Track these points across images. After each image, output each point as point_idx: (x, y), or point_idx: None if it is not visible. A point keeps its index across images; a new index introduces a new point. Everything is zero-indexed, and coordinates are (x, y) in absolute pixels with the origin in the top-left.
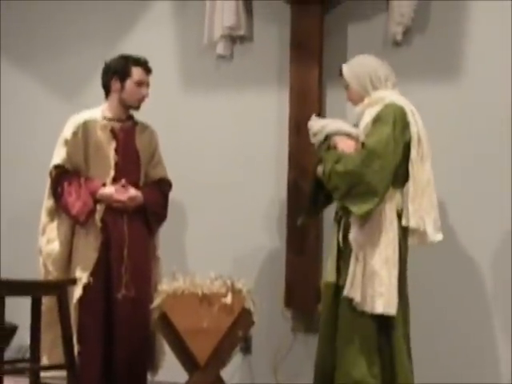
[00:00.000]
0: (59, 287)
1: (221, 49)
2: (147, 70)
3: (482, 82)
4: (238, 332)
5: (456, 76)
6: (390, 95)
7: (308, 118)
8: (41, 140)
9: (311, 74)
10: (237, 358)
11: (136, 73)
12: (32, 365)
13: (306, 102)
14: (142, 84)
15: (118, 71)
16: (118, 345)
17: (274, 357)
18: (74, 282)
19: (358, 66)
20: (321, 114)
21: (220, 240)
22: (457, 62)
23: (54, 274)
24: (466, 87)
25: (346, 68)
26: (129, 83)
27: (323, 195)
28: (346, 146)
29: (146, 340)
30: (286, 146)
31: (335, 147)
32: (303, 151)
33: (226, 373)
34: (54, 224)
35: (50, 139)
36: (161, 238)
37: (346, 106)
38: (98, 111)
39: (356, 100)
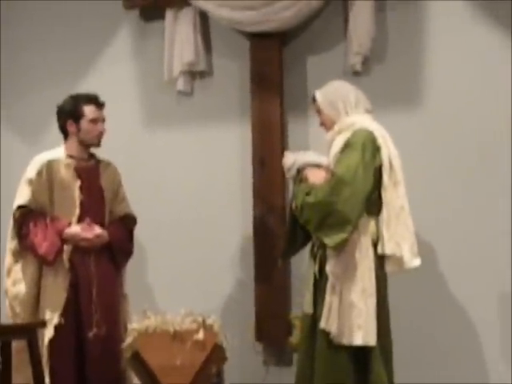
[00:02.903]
0: (30, 330)
1: (181, 85)
2: (99, 106)
3: (442, 109)
4: (211, 368)
5: (416, 104)
6: (360, 121)
7: (271, 152)
8: (2, 182)
9: (272, 107)
10: None
11: (89, 111)
12: None
13: (269, 134)
14: (96, 121)
15: (70, 114)
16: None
17: None
18: (43, 324)
19: (331, 92)
20: (284, 146)
21: (187, 276)
22: (416, 89)
23: (21, 316)
24: (427, 115)
25: (318, 93)
26: (84, 123)
27: (301, 232)
28: (316, 177)
29: (117, 378)
30: (251, 181)
31: (306, 180)
32: (268, 185)
33: None
34: (19, 265)
35: (11, 182)
36: (127, 275)
37: (309, 137)
38: (61, 151)
39: (328, 125)
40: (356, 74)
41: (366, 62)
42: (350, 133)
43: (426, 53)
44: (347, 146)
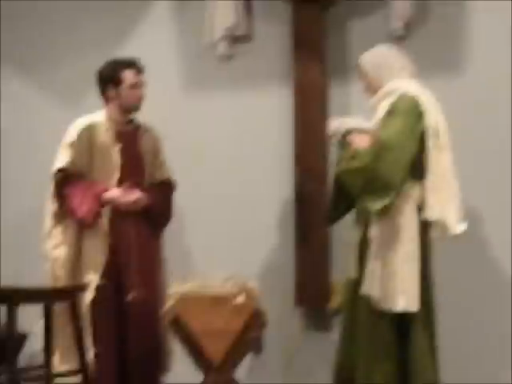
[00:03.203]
0: (72, 294)
1: (221, 49)
2: (139, 70)
3: (485, 74)
4: (251, 332)
5: (458, 69)
6: (405, 86)
7: (313, 117)
8: (43, 146)
9: (314, 71)
10: (248, 358)
11: (128, 76)
12: (46, 371)
13: (311, 99)
14: (136, 86)
15: (110, 79)
16: (131, 346)
17: (286, 355)
18: (84, 287)
19: (376, 56)
20: (325, 110)
21: (227, 241)
22: (458, 54)
23: (62, 279)
24: (469, 80)
25: (363, 57)
26: (123, 88)
27: (346, 197)
28: (361, 142)
29: (157, 341)
30: (291, 146)
31: (351, 145)
32: (309, 149)
33: (237, 373)
34: (60, 228)
35: (52, 145)
36: (167, 239)
37: (351, 102)
38: (101, 115)
39: (373, 90)
40: (398, 38)
41: (408, 26)
42: (394, 98)
43: (469, 16)
44: (392, 111)
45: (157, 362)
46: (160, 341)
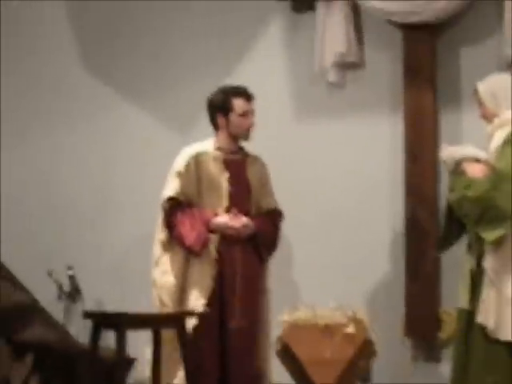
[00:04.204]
0: (179, 319)
1: (332, 76)
2: (249, 98)
3: None
4: (360, 363)
5: None
6: None
7: (424, 145)
8: (151, 173)
9: (426, 100)
10: None
11: (238, 105)
12: None
13: (422, 127)
14: (246, 114)
15: (220, 107)
16: (231, 374)
17: None
18: (192, 313)
19: (494, 84)
20: (437, 139)
21: (335, 271)
22: None
23: (169, 306)
24: None
25: (481, 85)
26: (233, 117)
27: (457, 225)
28: (474, 171)
29: (256, 372)
30: (400, 174)
31: (464, 173)
32: (420, 178)
33: None
34: (168, 256)
35: (159, 173)
36: (274, 270)
37: (463, 130)
38: (210, 143)
39: (489, 118)
40: (511, 65)
41: None
42: (510, 128)
43: None
44: (508, 141)
45: None
46: (259, 372)
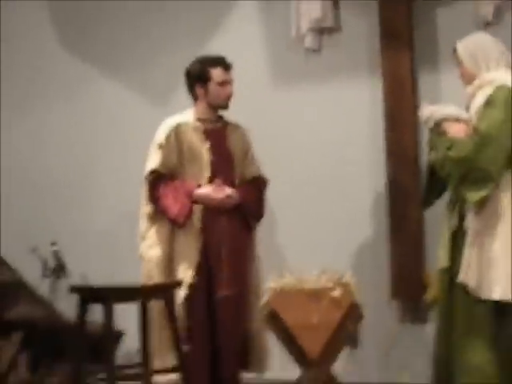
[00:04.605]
0: (166, 290)
1: (309, 42)
2: (227, 68)
3: None
4: (347, 326)
5: None
6: (501, 77)
7: (403, 107)
8: (133, 147)
9: (403, 63)
10: (344, 352)
11: (216, 74)
12: (144, 369)
13: (400, 89)
14: (224, 83)
15: (198, 77)
16: (222, 344)
17: (382, 349)
18: (180, 284)
19: (473, 44)
20: (415, 100)
21: (319, 235)
22: None
23: (157, 279)
24: None
25: (460, 45)
26: (211, 86)
27: (439, 182)
28: (456, 131)
29: (246, 338)
30: (380, 137)
31: (446, 133)
32: (401, 139)
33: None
34: (154, 229)
35: (141, 146)
36: (259, 236)
37: (441, 92)
38: (189, 114)
39: (468, 79)
40: (487, 24)
41: (497, 11)
42: (491, 89)
43: None
44: (489, 102)
45: (248, 361)
46: (249, 339)
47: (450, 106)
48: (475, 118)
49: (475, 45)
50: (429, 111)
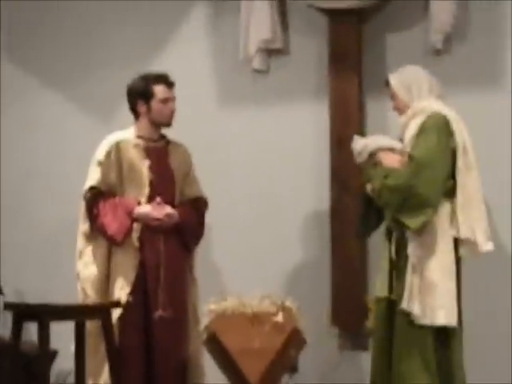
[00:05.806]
0: (103, 310)
1: (257, 63)
2: (169, 85)
3: None
4: (290, 351)
5: (498, 83)
6: (433, 105)
7: (349, 131)
8: (72, 163)
9: (351, 86)
10: (283, 378)
11: (159, 91)
12: None
13: (347, 114)
14: (167, 101)
15: (140, 94)
16: (157, 366)
17: (322, 375)
18: (117, 304)
19: (405, 76)
20: (362, 125)
21: (260, 259)
22: (499, 68)
23: (93, 298)
24: (509, 94)
25: (392, 77)
26: (154, 103)
27: (374, 214)
28: (391, 160)
29: (182, 362)
30: (326, 161)
31: (381, 163)
32: (346, 165)
33: None
34: (91, 247)
35: (81, 162)
36: (197, 258)
37: (388, 117)
38: (131, 131)
39: (402, 109)
40: (437, 52)
41: (447, 40)
42: (424, 117)
43: (509, 31)
44: (423, 129)
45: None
46: (186, 361)
47: (384, 137)
48: (409, 147)
49: (408, 76)
50: (362, 143)
